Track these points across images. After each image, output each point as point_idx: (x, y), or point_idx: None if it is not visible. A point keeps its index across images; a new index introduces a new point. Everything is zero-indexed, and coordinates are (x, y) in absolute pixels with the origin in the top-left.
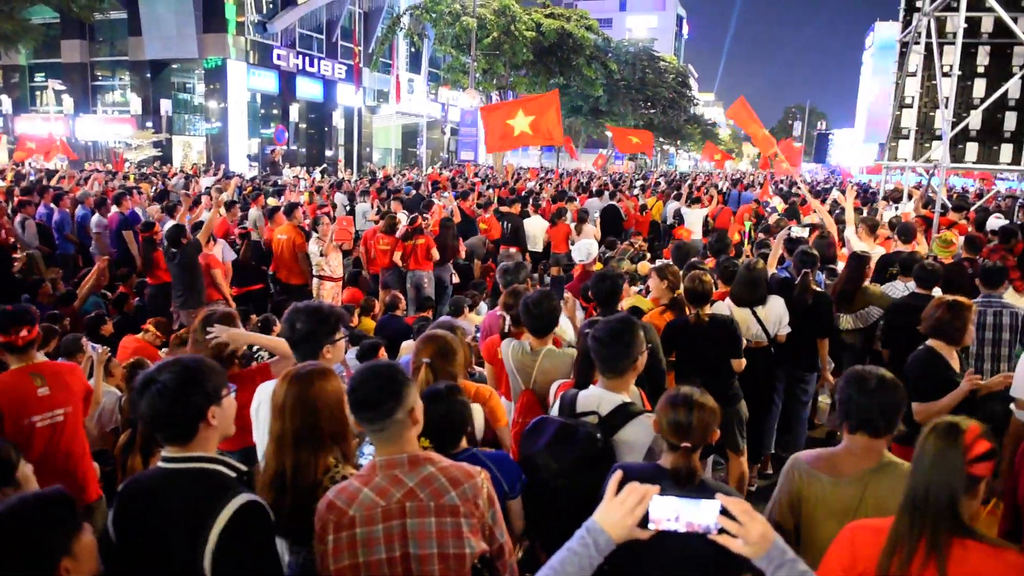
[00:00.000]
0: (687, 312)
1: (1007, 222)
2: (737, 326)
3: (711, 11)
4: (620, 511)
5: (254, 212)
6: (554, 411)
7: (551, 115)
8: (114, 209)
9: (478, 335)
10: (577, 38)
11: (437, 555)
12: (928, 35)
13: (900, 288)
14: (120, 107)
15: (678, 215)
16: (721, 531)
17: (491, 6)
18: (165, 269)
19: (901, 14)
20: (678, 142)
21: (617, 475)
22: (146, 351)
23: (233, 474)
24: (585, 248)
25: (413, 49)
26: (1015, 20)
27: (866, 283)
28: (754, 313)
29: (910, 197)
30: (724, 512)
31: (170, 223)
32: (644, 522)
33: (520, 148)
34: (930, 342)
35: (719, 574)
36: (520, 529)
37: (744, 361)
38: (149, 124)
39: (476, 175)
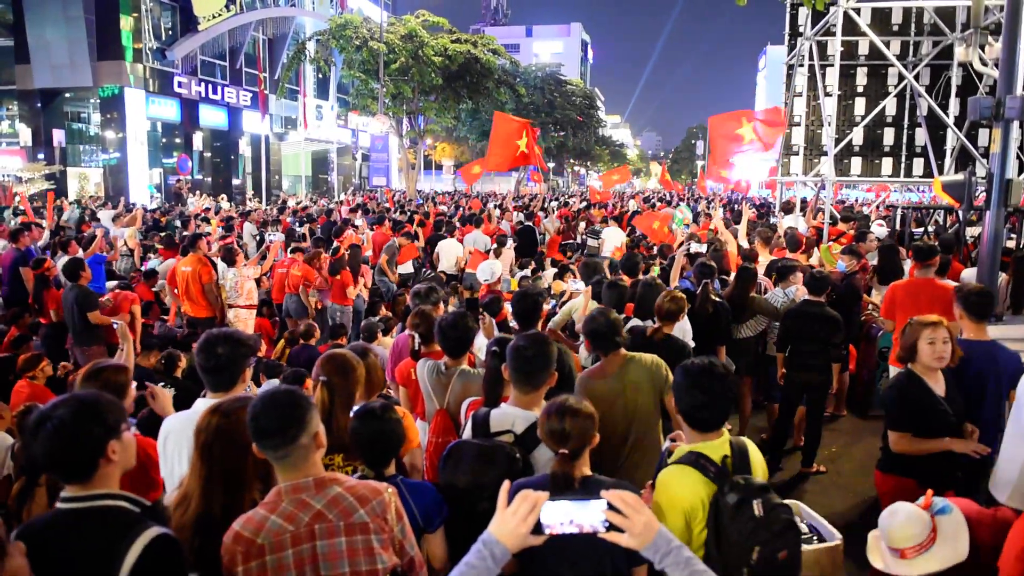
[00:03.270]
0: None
1: (888, 229)
2: (691, 354)
3: (615, 37)
4: (513, 521)
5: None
6: (467, 432)
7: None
8: (8, 245)
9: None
10: (484, 62)
11: (349, 574)
12: (811, 58)
13: (779, 295)
14: (8, 138)
15: (593, 233)
16: (610, 528)
17: (398, 32)
18: (59, 307)
19: (786, 39)
20: (588, 163)
21: (506, 486)
22: (42, 395)
23: (137, 509)
24: (489, 268)
25: (320, 75)
26: (886, 44)
27: (752, 293)
28: None
29: (801, 210)
30: (611, 507)
31: (65, 258)
32: (537, 528)
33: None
34: (910, 364)
35: (618, 562)
36: (443, 562)
37: None
38: (41, 156)
39: (395, 200)
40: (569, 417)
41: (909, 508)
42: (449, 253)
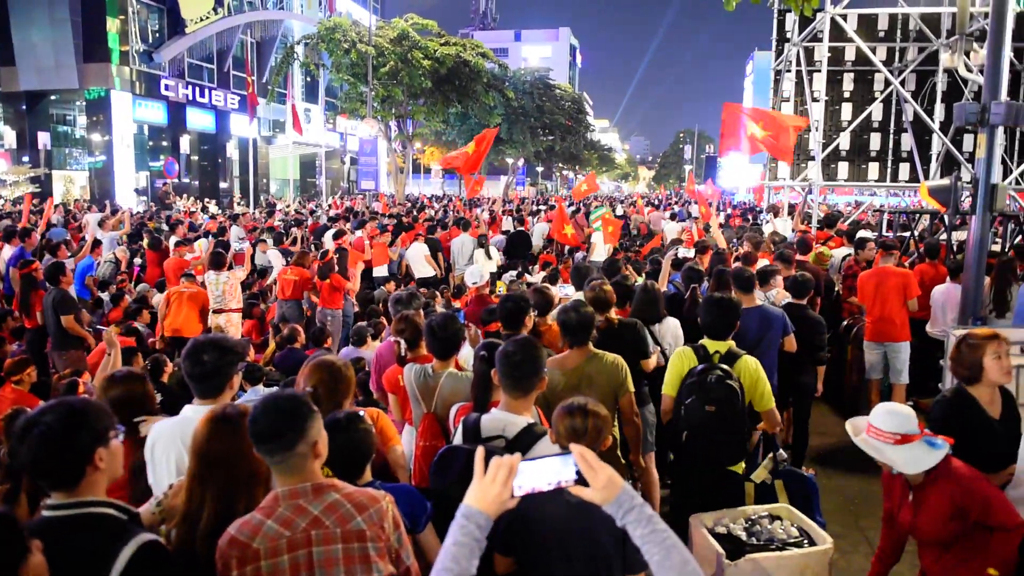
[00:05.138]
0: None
1: (875, 234)
2: (642, 327)
3: (603, 43)
4: (494, 488)
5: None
6: (457, 437)
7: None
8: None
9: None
10: (473, 66)
11: None
12: (798, 64)
13: (761, 297)
14: None
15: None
16: (578, 481)
17: (387, 35)
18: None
19: (774, 44)
20: (576, 167)
21: (480, 452)
22: (25, 400)
23: (124, 517)
24: (477, 271)
25: (309, 78)
26: (873, 49)
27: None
28: (650, 331)
29: (789, 214)
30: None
31: (50, 261)
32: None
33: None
34: (968, 385)
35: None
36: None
37: (653, 361)
38: (26, 159)
39: (389, 206)
40: (591, 417)
41: (906, 410)
42: (417, 257)
